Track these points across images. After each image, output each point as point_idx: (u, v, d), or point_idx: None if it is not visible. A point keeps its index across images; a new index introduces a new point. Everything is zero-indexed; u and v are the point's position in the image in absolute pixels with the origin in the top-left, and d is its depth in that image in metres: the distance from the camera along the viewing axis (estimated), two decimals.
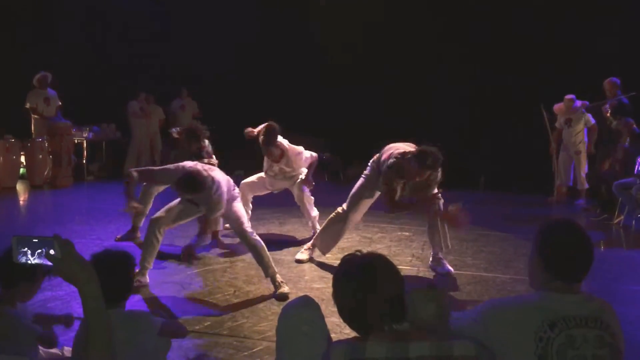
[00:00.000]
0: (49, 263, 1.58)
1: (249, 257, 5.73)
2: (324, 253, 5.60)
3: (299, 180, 6.48)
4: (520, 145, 9.97)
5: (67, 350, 3.06)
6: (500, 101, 10.38)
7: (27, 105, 10.42)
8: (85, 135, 11.34)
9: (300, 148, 6.38)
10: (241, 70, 11.82)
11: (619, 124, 7.97)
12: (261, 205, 7.30)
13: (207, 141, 6.11)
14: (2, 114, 11.07)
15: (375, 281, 1.80)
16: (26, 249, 1.59)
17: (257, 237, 4.83)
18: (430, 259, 5.35)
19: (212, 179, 4.63)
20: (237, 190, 5.08)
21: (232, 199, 4.91)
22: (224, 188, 4.75)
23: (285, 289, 4.63)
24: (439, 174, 5.12)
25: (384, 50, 11.08)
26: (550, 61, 10.01)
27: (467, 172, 10.49)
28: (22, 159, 10.23)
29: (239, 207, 4.96)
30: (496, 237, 6.71)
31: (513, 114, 10.08)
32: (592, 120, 8.76)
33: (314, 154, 6.43)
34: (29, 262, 1.59)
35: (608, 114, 8.32)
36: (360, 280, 1.81)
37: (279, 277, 4.70)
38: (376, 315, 1.77)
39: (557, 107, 8.94)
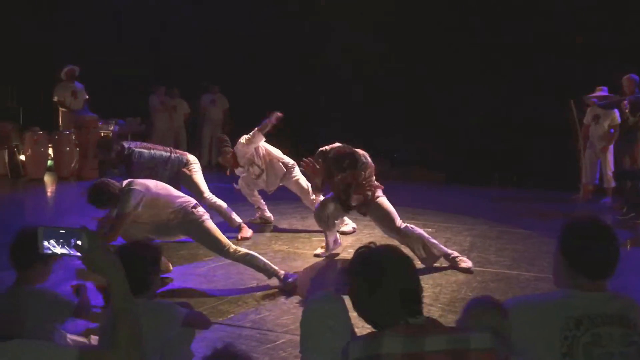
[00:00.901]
0: (77, 254, 1.62)
1: (271, 250, 5.78)
2: (328, 248, 5.62)
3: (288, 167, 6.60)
4: (547, 141, 9.85)
5: (94, 339, 3.12)
6: (526, 98, 10.27)
7: (55, 99, 10.60)
8: (111, 128, 11.47)
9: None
10: (251, 66, 11.87)
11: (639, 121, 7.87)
12: (283, 199, 7.33)
13: (143, 150, 6.13)
14: (30, 107, 11.29)
15: (387, 275, 1.77)
16: (52, 239, 1.63)
17: (241, 249, 4.77)
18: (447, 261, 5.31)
19: (129, 182, 4.66)
20: (200, 209, 4.79)
21: (191, 217, 4.69)
22: (142, 189, 4.63)
23: (291, 277, 4.64)
24: (363, 175, 5.14)
25: (403, 46, 10.99)
26: (576, 56, 9.87)
27: (489, 168, 10.43)
28: (50, 151, 10.41)
29: (208, 227, 4.70)
30: (520, 234, 6.66)
31: (539, 109, 9.97)
32: (619, 119, 8.61)
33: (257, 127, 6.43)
34: (55, 252, 1.63)
35: (627, 110, 8.22)
36: (372, 274, 1.79)
37: (281, 272, 4.68)
38: (390, 309, 1.75)
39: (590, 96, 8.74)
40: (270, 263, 4.72)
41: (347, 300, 2.22)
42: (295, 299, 4.44)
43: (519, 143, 10.32)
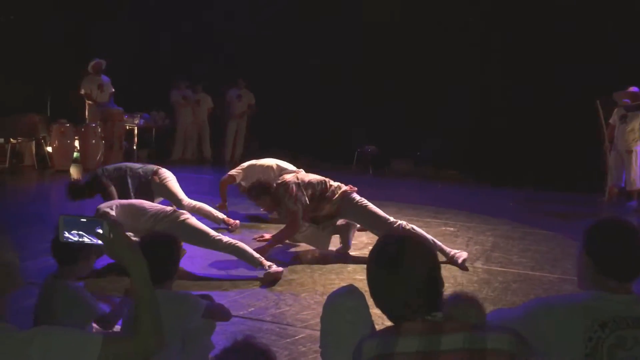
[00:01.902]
0: (98, 242, 1.64)
1: (292, 245, 5.80)
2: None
3: None
4: (572, 142, 9.71)
5: (118, 330, 3.16)
6: (552, 97, 10.15)
7: (82, 92, 10.75)
8: (136, 121, 11.63)
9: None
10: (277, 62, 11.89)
11: None
12: None
13: (107, 166, 6.40)
14: (58, 100, 11.45)
15: (408, 265, 1.69)
16: (73, 228, 1.65)
17: (229, 239, 4.88)
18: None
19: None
20: (179, 211, 5.02)
21: (172, 217, 4.83)
22: (110, 202, 5.14)
23: (273, 268, 4.69)
24: (288, 204, 5.29)
25: (427, 42, 10.90)
26: (604, 57, 9.71)
27: (515, 169, 10.33)
28: (76, 143, 10.57)
29: (192, 223, 4.87)
30: (544, 235, 6.58)
31: (565, 109, 9.84)
32: None
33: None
34: (75, 240, 1.65)
35: None
36: (392, 263, 1.71)
37: (267, 263, 4.74)
38: (408, 302, 1.68)
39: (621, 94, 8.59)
40: (256, 254, 4.80)
41: (368, 296, 2.23)
42: (316, 294, 4.44)
43: (544, 143, 10.19)
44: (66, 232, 1.66)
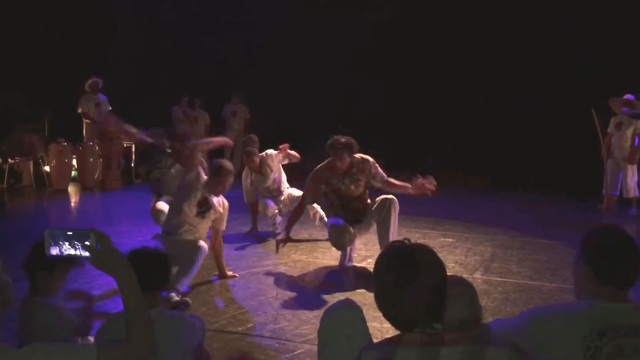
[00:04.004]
0: (85, 254, 1.64)
1: (291, 260, 5.78)
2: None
3: None
4: (571, 149, 9.73)
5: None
6: (553, 103, 10.19)
7: (79, 110, 10.78)
8: None
9: None
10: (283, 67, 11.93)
11: None
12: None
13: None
14: (55, 118, 11.47)
15: (418, 273, 1.68)
16: (59, 241, 1.65)
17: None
18: None
19: None
20: None
21: None
22: None
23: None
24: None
25: (431, 48, 10.94)
26: (604, 62, 9.75)
27: (514, 174, 10.34)
28: (74, 162, 10.57)
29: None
30: (542, 244, 6.56)
31: (564, 115, 9.88)
32: None
33: None
34: (62, 254, 1.65)
35: None
36: (403, 268, 1.70)
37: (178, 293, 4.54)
38: (414, 309, 1.67)
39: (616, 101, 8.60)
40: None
41: (365, 310, 2.22)
42: (315, 309, 4.42)
43: (542, 151, 10.22)
44: (52, 247, 1.66)
